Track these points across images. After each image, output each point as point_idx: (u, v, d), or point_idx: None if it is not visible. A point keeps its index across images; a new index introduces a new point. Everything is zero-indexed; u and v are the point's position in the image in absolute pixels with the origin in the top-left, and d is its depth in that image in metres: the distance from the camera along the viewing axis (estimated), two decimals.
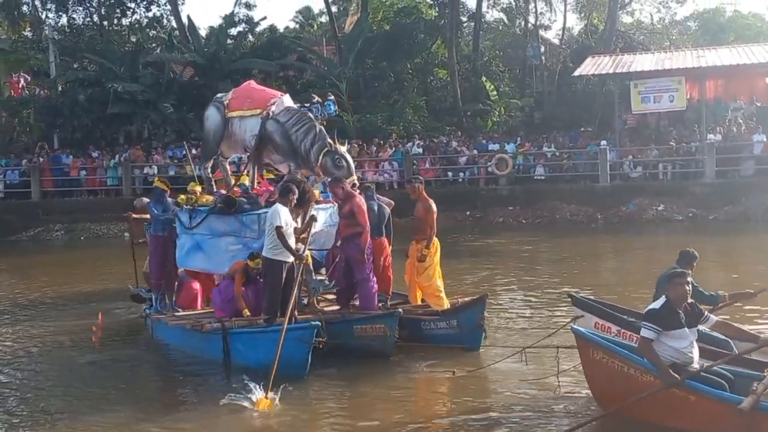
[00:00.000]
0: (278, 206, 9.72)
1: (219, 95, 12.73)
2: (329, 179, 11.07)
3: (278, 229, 9.50)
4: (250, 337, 9.73)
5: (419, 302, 11.15)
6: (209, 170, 12.58)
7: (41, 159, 30.24)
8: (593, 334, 8.04)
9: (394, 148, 29.28)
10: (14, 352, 11.65)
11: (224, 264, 11.16)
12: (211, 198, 11.79)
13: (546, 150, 28.73)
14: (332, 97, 13.99)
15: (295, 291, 9.63)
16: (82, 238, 27.01)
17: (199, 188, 12.24)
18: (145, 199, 13.60)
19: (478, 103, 34.15)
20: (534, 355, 9.28)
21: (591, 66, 29.38)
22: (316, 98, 13.81)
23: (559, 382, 8.33)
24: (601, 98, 32.48)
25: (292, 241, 9.73)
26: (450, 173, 28.74)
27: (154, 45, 38.29)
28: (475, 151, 29.23)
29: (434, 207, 10.86)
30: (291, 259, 9.78)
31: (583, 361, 7.82)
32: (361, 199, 10.57)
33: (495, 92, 34.48)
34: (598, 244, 22.10)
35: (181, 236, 11.76)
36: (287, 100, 11.96)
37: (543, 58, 40.55)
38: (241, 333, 9.88)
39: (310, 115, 11.62)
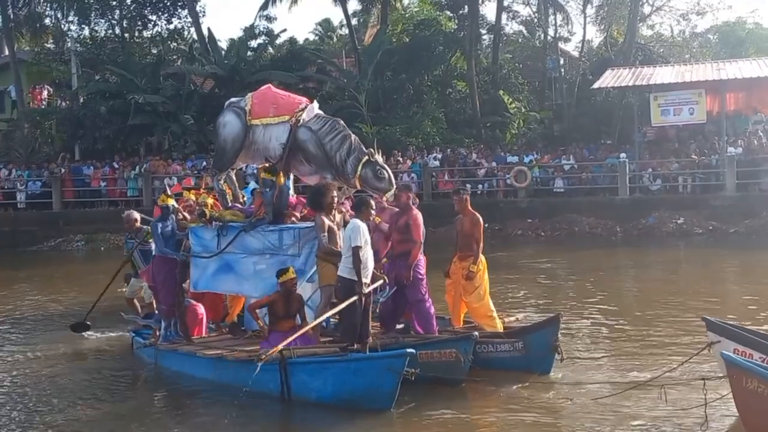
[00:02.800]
0: (358, 223, 8.86)
1: (235, 100, 11.62)
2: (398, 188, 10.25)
3: (356, 249, 8.64)
4: (320, 368, 8.69)
5: (462, 324, 10.33)
6: (222, 182, 11.53)
7: (62, 170, 30.53)
8: (746, 360, 7.40)
9: (412, 160, 29.31)
10: (31, 365, 11.42)
11: (261, 286, 10.21)
12: (228, 213, 10.95)
13: (565, 162, 28.67)
14: None
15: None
16: (102, 248, 27.14)
17: (211, 201, 11.57)
18: (135, 213, 12.40)
19: (497, 115, 34.12)
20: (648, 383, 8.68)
21: (610, 78, 29.29)
22: None
23: (706, 414, 7.63)
24: (621, 111, 32.38)
25: (370, 263, 8.93)
26: (469, 185, 28.58)
27: (174, 57, 38.70)
28: (494, 164, 29.22)
29: (482, 220, 10.19)
30: (369, 279, 8.91)
31: (734, 390, 7.12)
32: (418, 212, 9.82)
33: (514, 104, 34.43)
34: (621, 258, 21.92)
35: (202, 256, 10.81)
36: (316, 107, 11.16)
37: (562, 70, 40.51)
38: (308, 363, 8.80)
39: (342, 122, 10.90)
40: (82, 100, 35.07)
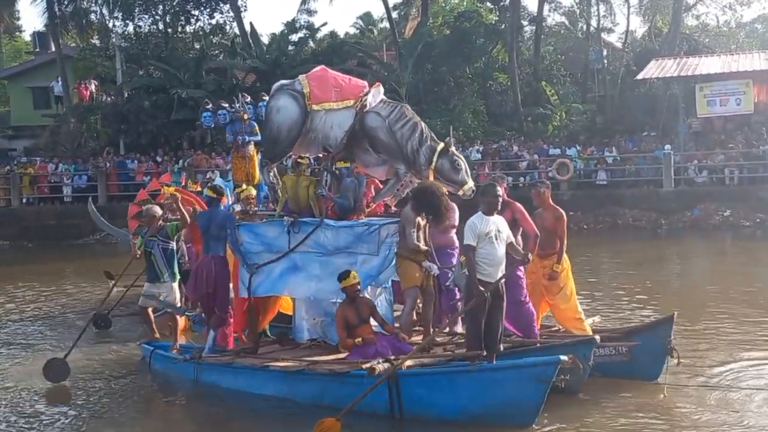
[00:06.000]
0: (473, 218, 7.79)
1: (286, 82, 10.27)
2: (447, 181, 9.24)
3: (466, 248, 7.64)
4: (443, 380, 7.69)
5: (539, 328, 9.40)
6: (272, 175, 10.27)
7: (107, 164, 30.97)
8: None
9: None
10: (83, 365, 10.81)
11: (332, 287, 9.02)
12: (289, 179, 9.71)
13: (608, 155, 28.37)
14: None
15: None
16: None
17: (254, 192, 10.77)
18: (157, 208, 11.11)
19: (538, 107, 33.84)
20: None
21: (655, 69, 28.92)
22: (249, 98, 12.44)
23: None
24: (665, 102, 31.91)
25: (498, 260, 7.76)
26: (510, 178, 28.46)
27: (217, 52, 39.02)
28: (536, 156, 29.02)
29: (565, 215, 9.29)
30: (497, 277, 7.77)
31: None
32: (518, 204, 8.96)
33: (556, 96, 34.15)
34: (670, 251, 21.61)
35: (262, 255, 9.44)
36: (382, 90, 10.01)
37: (605, 61, 39.95)
38: (428, 374, 7.78)
39: (410, 109, 9.86)
40: (126, 95, 35.59)
